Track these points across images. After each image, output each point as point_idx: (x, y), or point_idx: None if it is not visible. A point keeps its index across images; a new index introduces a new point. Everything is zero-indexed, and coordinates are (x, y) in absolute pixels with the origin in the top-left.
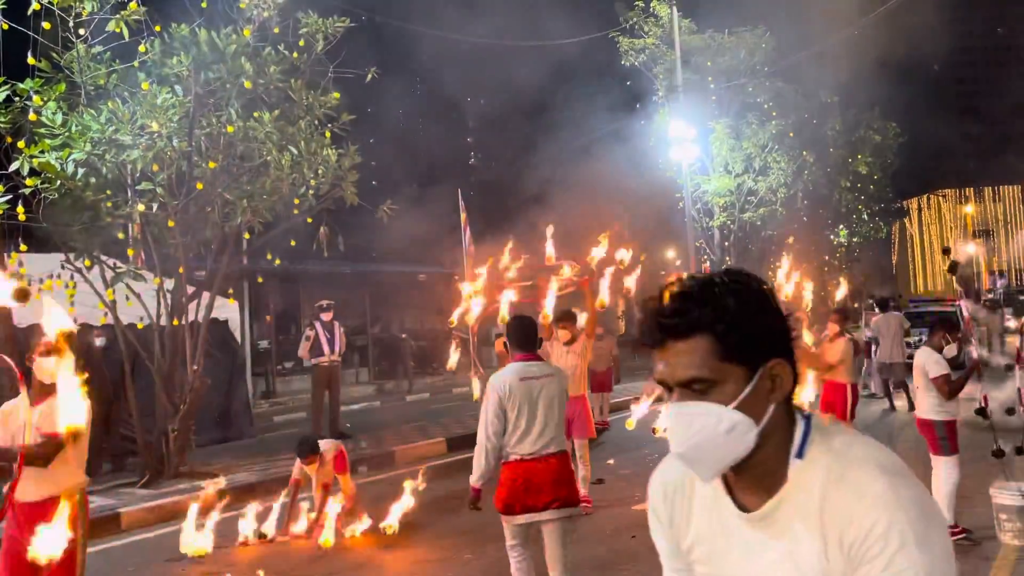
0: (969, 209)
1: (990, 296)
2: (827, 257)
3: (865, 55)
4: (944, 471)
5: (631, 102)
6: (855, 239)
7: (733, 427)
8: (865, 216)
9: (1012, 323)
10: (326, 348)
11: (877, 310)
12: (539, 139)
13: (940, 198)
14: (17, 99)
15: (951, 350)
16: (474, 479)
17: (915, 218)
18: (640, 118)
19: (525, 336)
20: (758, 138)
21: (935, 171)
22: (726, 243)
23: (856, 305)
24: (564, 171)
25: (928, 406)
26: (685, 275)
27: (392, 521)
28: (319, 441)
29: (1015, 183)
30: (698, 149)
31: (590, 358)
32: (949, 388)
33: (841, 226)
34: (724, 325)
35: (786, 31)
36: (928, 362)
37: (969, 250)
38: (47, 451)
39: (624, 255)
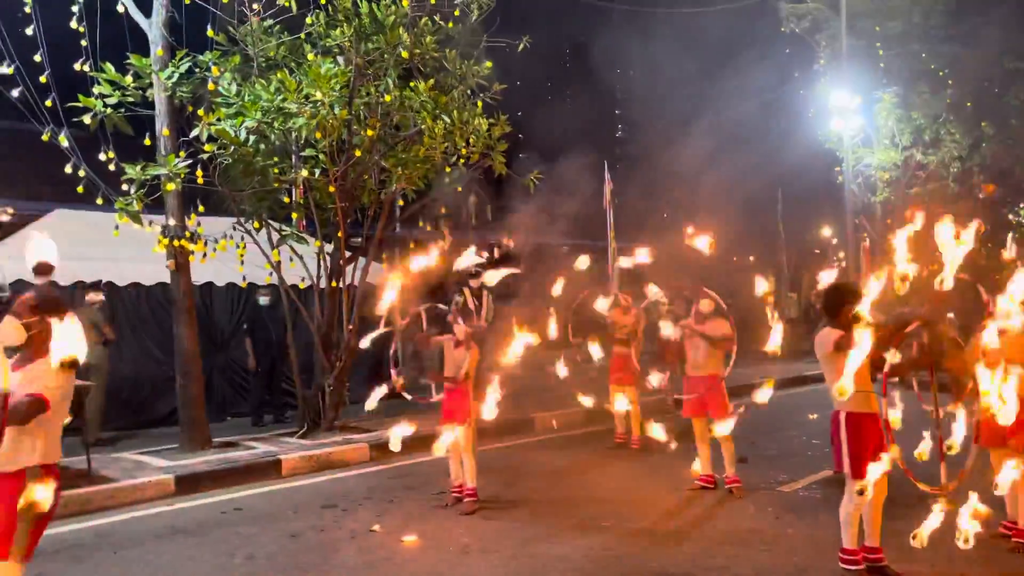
0: None
1: None
2: (1005, 238)
3: None
4: None
5: (790, 71)
6: None
7: None
8: None
9: None
10: (473, 314)
11: None
12: (691, 110)
13: None
14: (197, 70)
15: None
16: None
17: None
18: (800, 87)
19: None
20: (930, 108)
21: None
22: (888, 220)
23: None
24: (717, 143)
25: None
26: None
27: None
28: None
29: None
30: (862, 120)
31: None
32: None
33: (1022, 205)
34: None
35: None
36: None
37: None
38: (29, 412)
39: None
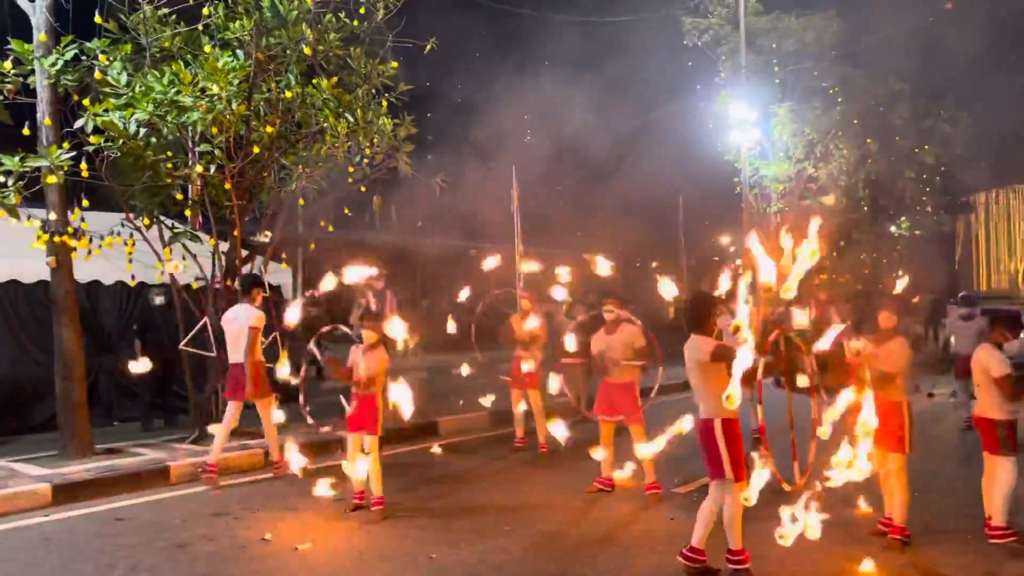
0: None
1: None
2: (885, 248)
3: (939, 41)
4: (1002, 473)
5: (691, 83)
6: (917, 232)
7: None
8: (929, 208)
9: None
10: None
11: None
12: (596, 117)
13: (1011, 193)
14: (84, 58)
15: (1012, 347)
16: None
17: (982, 213)
18: (700, 100)
19: None
20: (821, 123)
21: (1007, 164)
22: (783, 229)
23: (915, 300)
24: (621, 151)
25: (989, 404)
26: None
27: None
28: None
29: None
30: (759, 133)
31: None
32: (1013, 390)
33: (903, 218)
34: None
35: (856, 14)
36: (991, 361)
37: None
38: None
39: None
